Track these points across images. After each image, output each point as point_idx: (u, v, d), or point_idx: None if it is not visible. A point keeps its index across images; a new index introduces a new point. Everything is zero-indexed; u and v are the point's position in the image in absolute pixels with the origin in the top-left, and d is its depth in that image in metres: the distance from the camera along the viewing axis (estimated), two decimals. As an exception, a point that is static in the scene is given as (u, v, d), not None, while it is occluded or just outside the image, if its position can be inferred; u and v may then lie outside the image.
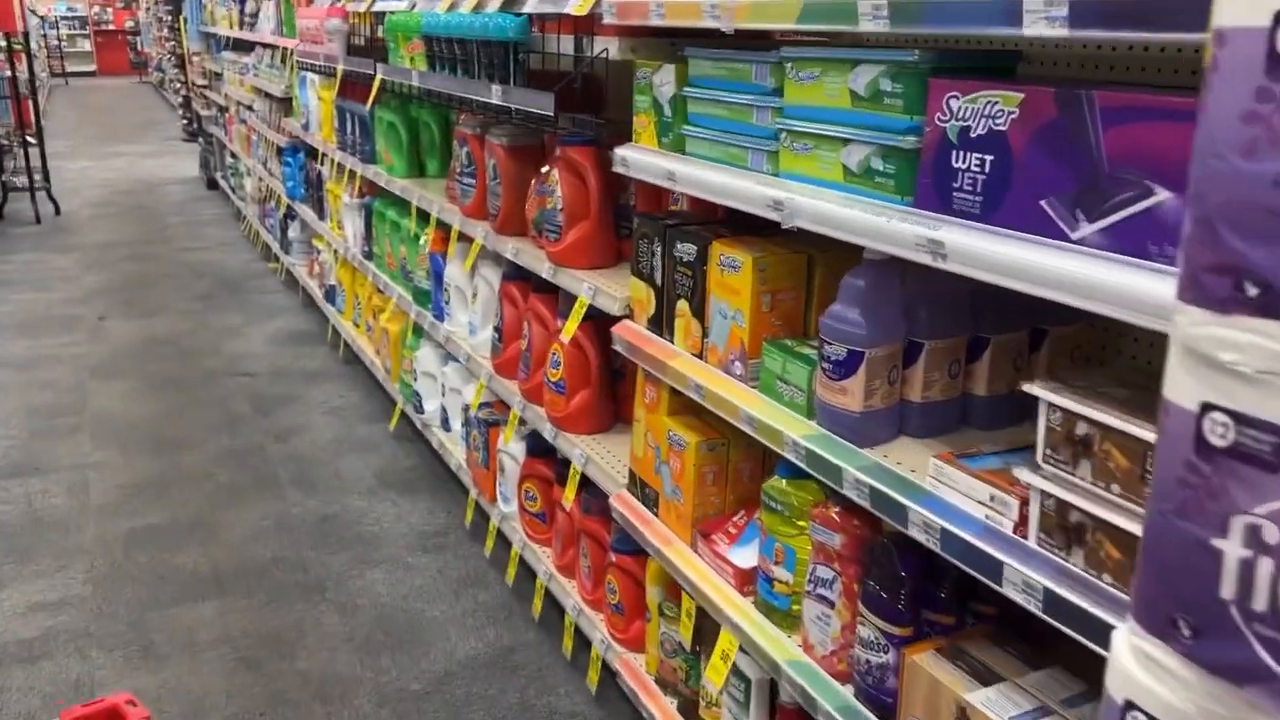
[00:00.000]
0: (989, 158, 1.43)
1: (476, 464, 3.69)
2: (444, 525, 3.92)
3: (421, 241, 4.18)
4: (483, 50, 2.81)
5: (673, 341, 2.32)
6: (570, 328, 2.69)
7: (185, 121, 14.54)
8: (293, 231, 7.07)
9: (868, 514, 1.74)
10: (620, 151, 2.35)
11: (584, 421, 2.95)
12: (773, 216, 1.82)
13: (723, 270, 2.10)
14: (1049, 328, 1.88)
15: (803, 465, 1.83)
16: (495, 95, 2.70)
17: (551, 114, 2.40)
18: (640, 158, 2.27)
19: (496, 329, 3.42)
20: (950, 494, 1.57)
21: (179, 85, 14.20)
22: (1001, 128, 1.40)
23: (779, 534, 2.02)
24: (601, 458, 2.82)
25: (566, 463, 3.04)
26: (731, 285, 2.07)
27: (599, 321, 2.76)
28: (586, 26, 2.48)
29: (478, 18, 2.81)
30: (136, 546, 3.75)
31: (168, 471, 4.37)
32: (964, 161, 1.47)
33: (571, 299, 2.91)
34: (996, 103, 1.41)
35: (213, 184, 11.40)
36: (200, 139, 12.37)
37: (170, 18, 14.10)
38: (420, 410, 4.35)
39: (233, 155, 9.69)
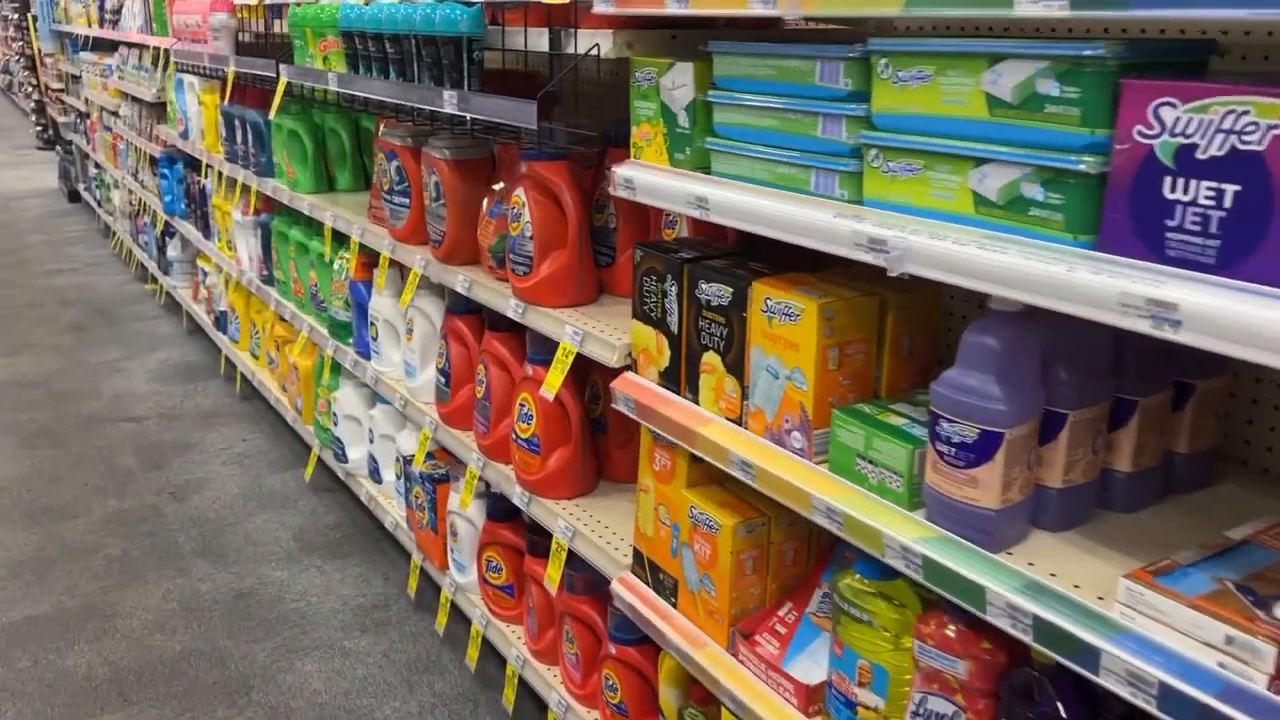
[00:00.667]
0: (1233, 188, 1.04)
1: (421, 525, 3.20)
2: (383, 596, 3.41)
3: (337, 267, 3.65)
4: (425, 48, 2.32)
5: (697, 402, 1.89)
6: (554, 381, 2.23)
7: (40, 128, 13.39)
8: (172, 250, 6.38)
9: (1001, 633, 1.35)
10: (623, 171, 1.90)
11: (564, 484, 2.50)
12: (865, 258, 1.41)
13: (772, 318, 1.68)
14: (1195, 381, 1.52)
15: (917, 577, 1.43)
16: (449, 103, 2.22)
17: (534, 126, 1.94)
18: (653, 180, 1.83)
19: (442, 372, 2.93)
20: (1155, 629, 1.18)
21: (30, 89, 13.05)
22: (1256, 147, 1.01)
23: (863, 649, 1.61)
24: (589, 528, 2.37)
25: (540, 529, 2.58)
26: (786, 337, 1.66)
27: (576, 367, 2.32)
28: (564, 18, 2.02)
29: (417, 9, 2.32)
30: (15, 647, 3.14)
31: (47, 546, 3.74)
32: (1187, 192, 1.08)
33: (546, 343, 2.45)
34: (1247, 113, 1.02)
35: (75, 196, 10.44)
36: (58, 147, 11.34)
37: (17, 15, 12.94)
38: (343, 458, 3.81)
39: (97, 166, 8.83)
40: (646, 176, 1.84)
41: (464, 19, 2.19)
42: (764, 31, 2.22)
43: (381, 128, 3.22)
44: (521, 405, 2.52)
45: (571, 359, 2.20)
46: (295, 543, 3.75)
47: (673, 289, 1.89)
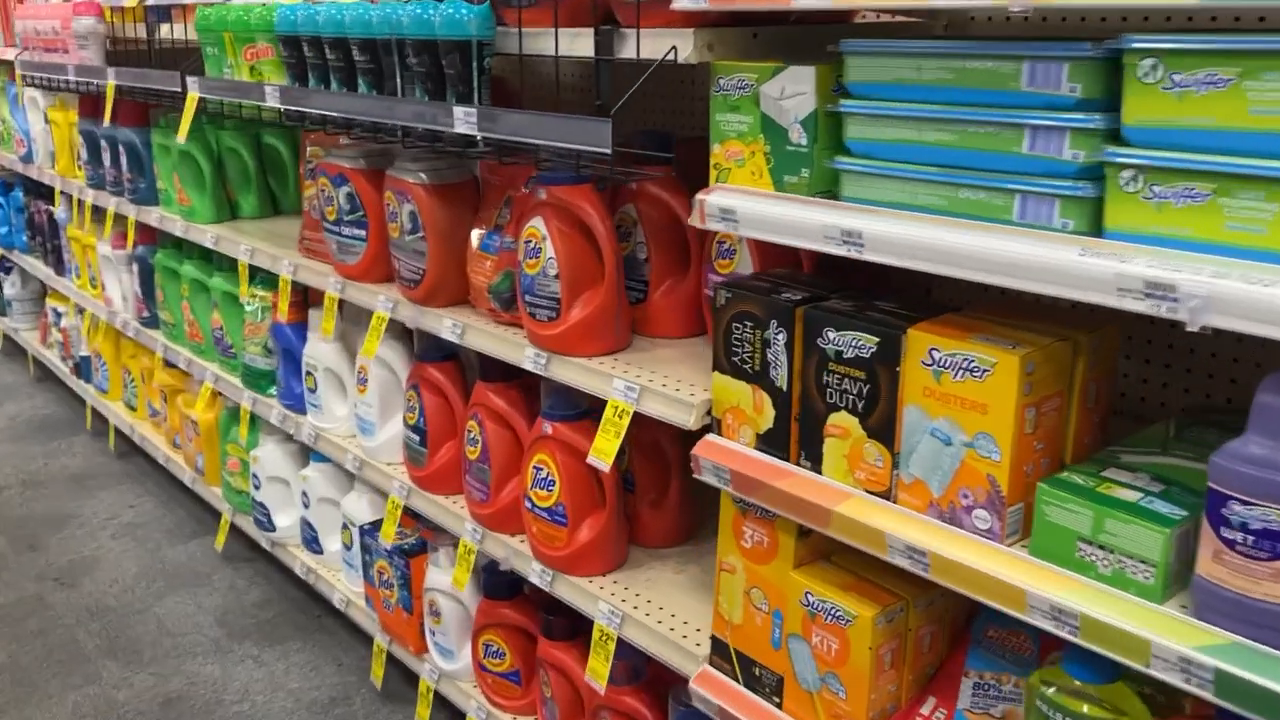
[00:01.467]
0: None
1: (388, 604, 2.77)
2: (340, 687, 2.95)
3: (252, 308, 3.15)
4: (418, 55, 1.91)
5: (819, 471, 1.58)
6: (607, 449, 1.87)
7: None
8: (10, 288, 5.62)
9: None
10: (717, 200, 1.57)
11: (597, 559, 2.14)
12: (1135, 307, 1.13)
13: (941, 374, 1.38)
14: None
15: (1203, 694, 1.16)
16: (463, 121, 1.82)
17: (606, 149, 1.57)
18: (767, 210, 1.50)
19: (414, 429, 2.51)
20: None
21: None
22: None
23: (1084, 765, 1.34)
24: (638, 609, 2.03)
25: (558, 607, 2.22)
26: (967, 397, 1.36)
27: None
28: (615, 16, 1.67)
29: (403, 7, 1.92)
30: (-113, 802, 2.55)
31: (-92, 663, 3.10)
32: None
33: (568, 396, 2.09)
34: None
35: None
36: None
37: None
38: (268, 526, 3.32)
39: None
40: (756, 206, 1.51)
41: (472, 19, 1.81)
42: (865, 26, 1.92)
43: (311, 147, 2.77)
44: (538, 469, 2.14)
45: (628, 420, 1.85)
46: (220, 628, 3.23)
47: (779, 337, 1.58)
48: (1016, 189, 1.27)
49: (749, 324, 1.62)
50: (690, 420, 1.74)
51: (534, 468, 2.16)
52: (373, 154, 2.46)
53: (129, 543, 3.78)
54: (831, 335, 1.50)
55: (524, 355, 2.07)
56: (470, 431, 2.34)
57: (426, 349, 2.51)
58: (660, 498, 2.24)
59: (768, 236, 1.50)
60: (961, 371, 1.36)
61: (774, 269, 1.79)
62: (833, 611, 1.62)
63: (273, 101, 2.36)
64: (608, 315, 1.97)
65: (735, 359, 1.66)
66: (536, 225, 1.97)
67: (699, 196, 1.58)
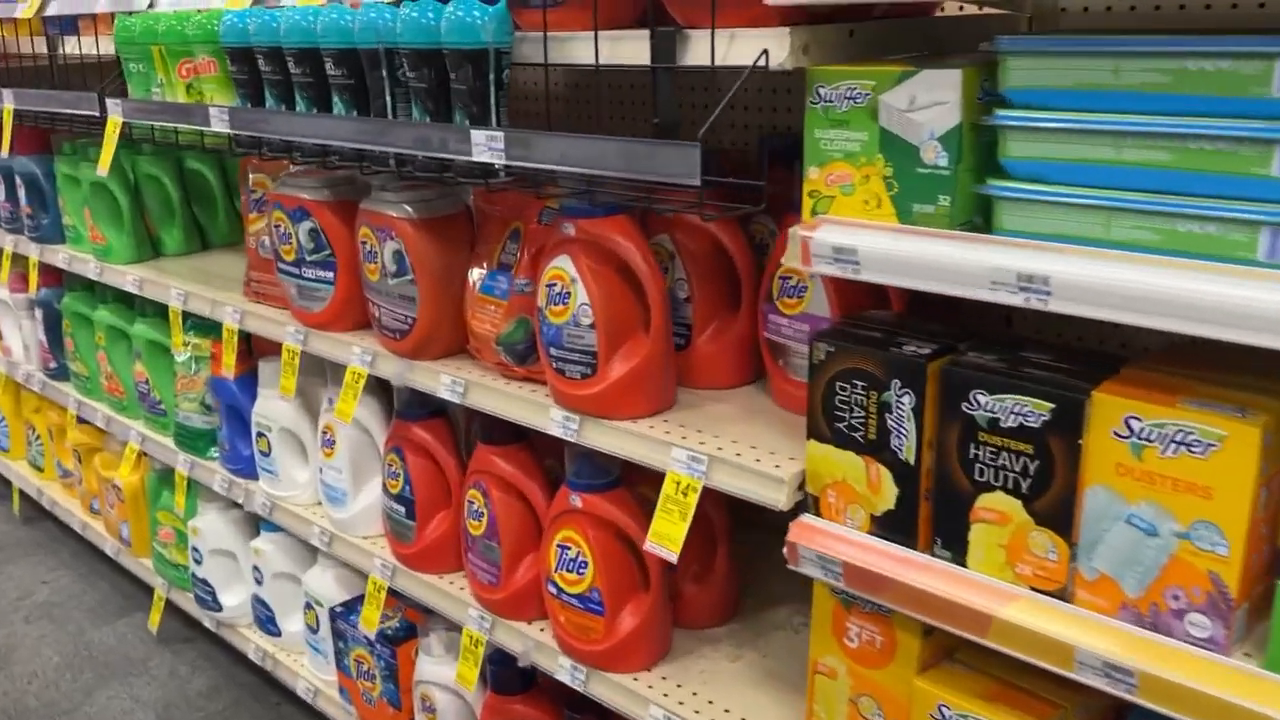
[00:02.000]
0: None
1: (369, 698, 2.40)
2: (316, 791, 2.57)
3: (184, 360, 2.75)
4: (417, 69, 1.57)
5: (963, 564, 1.30)
6: (672, 534, 1.55)
7: None
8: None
9: None
10: (824, 236, 1.26)
11: (642, 651, 1.82)
12: None
13: (1144, 448, 1.11)
14: None
15: None
16: (484, 148, 1.47)
17: (695, 180, 1.25)
18: (909, 249, 1.20)
19: (398, 498, 2.16)
20: None
21: None
22: None
23: None
24: (700, 712, 1.72)
25: (584, 702, 1.90)
26: (1184, 478, 1.09)
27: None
28: (652, 10, 1.36)
29: (397, 11, 1.57)
30: None
31: None
32: None
33: (601, 464, 1.77)
34: None
35: None
36: None
37: None
38: (213, 605, 2.91)
39: None
40: (889, 244, 1.22)
41: (488, 23, 1.47)
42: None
43: (255, 175, 2.39)
44: (564, 549, 1.82)
45: (695, 499, 1.53)
46: (164, 727, 2.81)
47: (904, 401, 1.29)
48: (1263, 221, 1.00)
49: (860, 384, 1.33)
50: (781, 500, 1.44)
51: (559, 547, 1.83)
52: (338, 183, 2.10)
53: (47, 626, 3.31)
54: (983, 400, 1.22)
55: (549, 419, 1.74)
56: (473, 503, 2.00)
57: (408, 404, 2.16)
58: (705, 571, 1.93)
59: (903, 281, 1.21)
60: (1174, 446, 1.09)
61: (869, 311, 1.50)
62: (977, 727, 1.33)
63: (220, 126, 1.98)
64: (655, 369, 1.66)
65: (841, 426, 1.37)
66: (563, 266, 1.65)
67: (800, 232, 1.27)
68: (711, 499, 1.90)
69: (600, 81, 2.22)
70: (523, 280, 1.80)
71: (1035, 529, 1.22)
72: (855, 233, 1.24)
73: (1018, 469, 1.22)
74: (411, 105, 1.60)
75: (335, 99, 1.75)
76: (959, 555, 1.30)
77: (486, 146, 1.47)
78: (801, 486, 1.45)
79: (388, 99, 1.65)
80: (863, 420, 1.34)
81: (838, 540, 1.39)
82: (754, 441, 1.56)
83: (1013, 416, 1.20)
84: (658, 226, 1.77)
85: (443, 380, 1.92)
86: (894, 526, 1.36)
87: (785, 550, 1.44)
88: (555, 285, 1.67)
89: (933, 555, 1.33)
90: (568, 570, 1.83)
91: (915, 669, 1.41)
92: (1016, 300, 1.12)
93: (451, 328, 1.96)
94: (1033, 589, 1.24)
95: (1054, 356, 1.26)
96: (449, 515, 2.15)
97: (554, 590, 1.86)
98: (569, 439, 1.72)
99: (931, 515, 1.32)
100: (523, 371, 1.83)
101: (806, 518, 1.43)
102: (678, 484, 1.56)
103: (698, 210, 1.35)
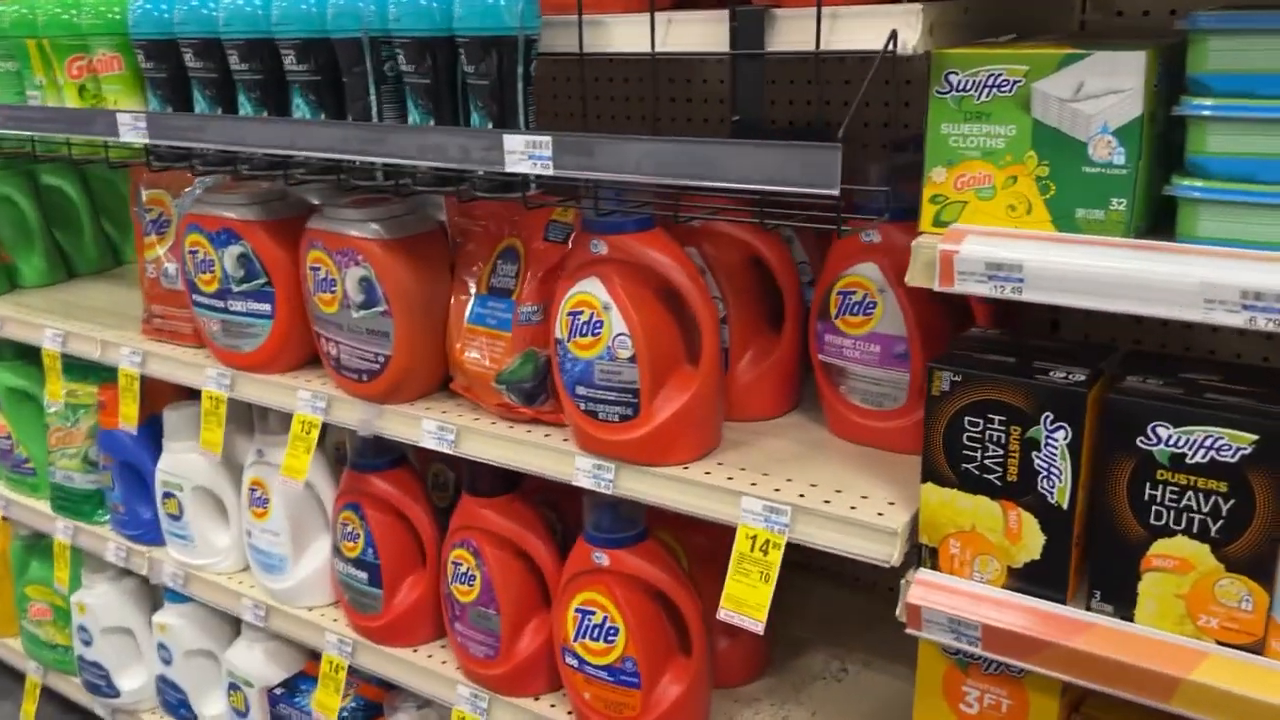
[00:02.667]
0: None
1: (325, 791, 2.08)
2: None
3: (57, 410, 2.34)
4: (410, 59, 1.29)
5: (1129, 619, 1.13)
6: (757, 599, 1.32)
7: None
8: None
9: None
10: (973, 250, 1.07)
11: (685, 725, 1.60)
12: None
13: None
14: None
15: None
16: (524, 155, 1.20)
17: (834, 189, 1.01)
18: (1093, 265, 1.02)
19: (363, 564, 1.86)
20: None
21: None
22: None
23: None
24: (759, 791, 1.51)
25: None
26: None
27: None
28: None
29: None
30: None
31: None
32: None
33: (626, 514, 1.53)
34: None
35: None
36: None
37: None
38: (108, 690, 2.50)
39: None
40: (1061, 257, 1.03)
41: (515, 3, 1.21)
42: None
43: (149, 191, 2.02)
44: (587, 614, 1.57)
45: (779, 557, 1.32)
46: (57, 844, 2.39)
47: (1058, 436, 1.11)
48: None
49: (998, 418, 1.15)
50: (893, 555, 1.24)
51: (580, 612, 1.59)
52: (272, 199, 1.78)
53: (-114, 732, 2.80)
54: (1164, 433, 1.05)
55: (574, 468, 1.49)
56: (459, 565, 1.73)
57: (363, 453, 1.85)
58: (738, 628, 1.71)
59: (1082, 301, 1.03)
60: None
61: (972, 330, 1.32)
62: (1140, 799, 1.17)
63: (133, 135, 1.62)
64: (708, 406, 1.43)
65: (970, 467, 1.18)
66: (591, 290, 1.40)
67: (941, 245, 1.08)
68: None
69: (591, 74, 1.95)
70: (529, 307, 1.54)
71: (1225, 576, 1.07)
72: (1017, 245, 1.05)
73: (1206, 510, 1.06)
74: (408, 105, 1.32)
75: (298, 99, 1.44)
76: (1124, 609, 1.13)
77: (526, 154, 1.20)
78: (911, 537, 1.26)
79: (372, 99, 1.35)
80: (1000, 460, 1.16)
81: (975, 599, 1.20)
82: (831, 483, 1.36)
83: (1202, 451, 1.04)
84: (681, 238, 1.54)
85: (426, 427, 1.63)
86: (1038, 579, 1.18)
87: (902, 612, 1.24)
88: (581, 314, 1.42)
89: (1089, 610, 1.16)
90: (593, 639, 1.58)
91: (1055, 737, 1.24)
92: (1237, 320, 0.95)
93: (431, 365, 1.68)
94: (1219, 643, 1.09)
95: (1224, 377, 1.11)
96: (423, 579, 1.86)
97: (575, 662, 1.61)
98: (601, 490, 1.47)
99: (1090, 566, 1.15)
100: (530, 413, 1.57)
101: (926, 574, 1.24)
102: (753, 539, 1.34)
103: (823, 223, 1.12)
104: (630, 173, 1.14)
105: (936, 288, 1.10)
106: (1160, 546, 1.09)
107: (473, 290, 1.62)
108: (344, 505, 1.88)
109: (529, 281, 1.54)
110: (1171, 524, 1.08)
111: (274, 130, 1.44)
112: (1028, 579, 1.19)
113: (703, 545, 1.69)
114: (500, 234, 1.61)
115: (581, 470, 1.48)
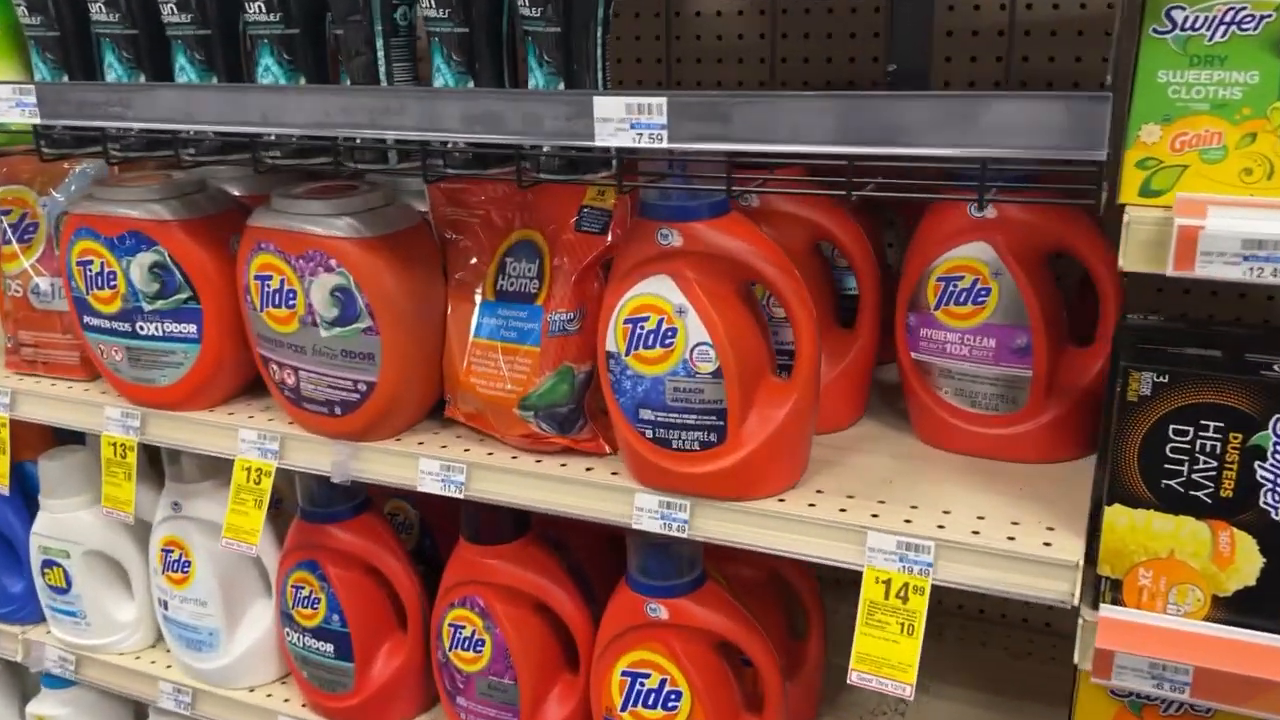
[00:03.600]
0: None
1: None
2: None
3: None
4: (443, 3, 0.97)
5: (1371, 647, 0.97)
6: (903, 656, 1.09)
7: None
8: None
9: None
10: (1224, 226, 0.86)
11: (762, 797, 1.36)
12: None
13: None
14: None
15: None
16: (619, 128, 0.91)
17: (1099, 153, 0.77)
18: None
19: (327, 635, 1.53)
20: None
21: None
22: None
23: None
24: None
25: None
26: None
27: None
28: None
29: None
30: None
31: None
32: None
33: (683, 556, 1.28)
34: None
35: None
36: None
37: None
38: (-33, 801, 2.04)
39: None
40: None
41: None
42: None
43: (4, 187, 1.60)
44: (636, 677, 1.32)
45: (923, 604, 1.09)
46: None
47: (1294, 441, 0.93)
48: None
49: (1212, 424, 0.96)
50: (1072, 592, 1.04)
51: (629, 675, 1.32)
52: (191, 192, 1.41)
53: None
54: None
55: (633, 509, 1.22)
56: (463, 628, 1.43)
57: (319, 499, 1.52)
58: (796, 663, 1.49)
59: (1368, 282, 0.84)
60: None
61: (1132, 318, 1.13)
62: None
63: (16, 114, 1.21)
64: (805, 426, 1.19)
65: (1173, 482, 0.99)
66: (659, 292, 1.13)
67: (1179, 220, 0.87)
68: (797, 570, 1.47)
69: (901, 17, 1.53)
70: (562, 315, 1.25)
71: None
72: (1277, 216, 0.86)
73: None
74: (436, 63, 1.00)
75: (268, 60, 1.09)
76: (1365, 639, 0.97)
77: (626, 123, 0.91)
78: (1093, 570, 1.06)
79: (379, 55, 1.03)
80: (1213, 473, 0.97)
81: (1180, 638, 1.01)
82: (963, 508, 1.14)
83: None
84: (732, 222, 1.29)
85: (425, 468, 1.32)
86: (1253, 609, 1.00)
87: (1085, 658, 1.04)
88: (645, 320, 1.14)
89: (1317, 642, 0.99)
90: (648, 705, 1.32)
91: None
92: None
93: (424, 391, 1.36)
94: None
95: None
96: (403, 646, 1.54)
97: (624, 739, 1.35)
98: (673, 534, 1.20)
99: (1325, 594, 0.98)
100: (564, 442, 1.29)
101: (1113, 611, 1.04)
102: (887, 585, 1.11)
103: (1092, 196, 0.88)
104: (786, 142, 0.87)
105: (1171, 272, 0.89)
106: None
107: (477, 297, 1.31)
108: (296, 564, 1.54)
109: (559, 283, 1.25)
110: None
111: (242, 101, 1.08)
112: (1240, 609, 1.01)
113: (748, 578, 1.45)
114: (507, 225, 1.31)
115: (644, 510, 1.21)
